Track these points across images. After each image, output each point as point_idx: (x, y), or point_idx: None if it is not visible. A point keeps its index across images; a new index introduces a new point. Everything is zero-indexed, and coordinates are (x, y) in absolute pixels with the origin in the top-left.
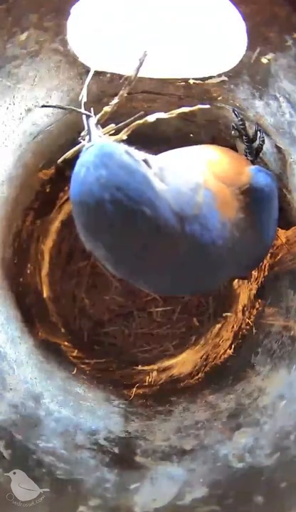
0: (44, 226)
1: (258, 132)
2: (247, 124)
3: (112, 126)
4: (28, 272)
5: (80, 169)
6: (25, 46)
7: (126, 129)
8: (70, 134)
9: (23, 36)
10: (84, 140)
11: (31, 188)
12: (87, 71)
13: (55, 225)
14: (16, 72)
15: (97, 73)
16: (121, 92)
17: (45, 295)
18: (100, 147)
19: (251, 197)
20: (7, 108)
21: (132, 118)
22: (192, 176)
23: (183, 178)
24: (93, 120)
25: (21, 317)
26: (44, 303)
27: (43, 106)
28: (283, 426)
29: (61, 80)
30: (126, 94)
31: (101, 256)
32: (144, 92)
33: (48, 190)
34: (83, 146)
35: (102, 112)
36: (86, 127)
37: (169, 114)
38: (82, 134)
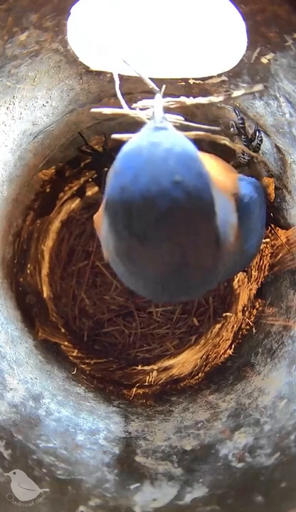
0: (44, 226)
1: (257, 132)
2: (247, 123)
3: (181, 118)
4: (28, 272)
5: (150, 147)
6: (25, 46)
7: (194, 133)
8: (70, 134)
9: (23, 36)
10: (141, 110)
11: (31, 188)
12: (88, 71)
13: (55, 225)
14: (15, 72)
15: (97, 73)
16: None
17: (45, 295)
18: (181, 141)
19: (238, 205)
20: (7, 108)
21: (205, 127)
22: None
23: None
24: (160, 98)
25: (21, 317)
26: (44, 303)
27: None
28: (283, 426)
29: (61, 79)
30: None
31: (133, 267)
32: (144, 92)
33: (48, 190)
34: (137, 115)
35: (178, 99)
36: (155, 103)
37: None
38: (140, 102)
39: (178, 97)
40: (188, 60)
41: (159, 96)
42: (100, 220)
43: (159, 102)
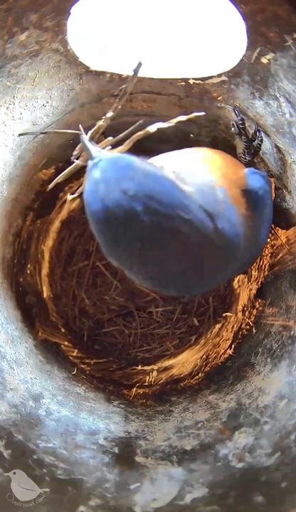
0: (44, 226)
1: (257, 132)
2: (247, 123)
3: (110, 139)
4: (28, 272)
5: (95, 187)
6: (25, 46)
7: (128, 141)
8: (69, 134)
9: (23, 36)
10: (77, 159)
11: (31, 188)
12: (88, 71)
13: (55, 225)
14: (15, 72)
15: (97, 73)
16: (115, 105)
17: (45, 295)
18: (113, 160)
19: (247, 198)
20: (7, 108)
21: (131, 128)
22: (205, 175)
23: (199, 178)
24: (85, 137)
25: (21, 317)
26: (44, 303)
27: (20, 134)
28: (283, 426)
29: (61, 79)
30: (120, 107)
31: (135, 270)
32: (144, 92)
33: (48, 190)
34: (79, 165)
35: (96, 127)
36: (82, 145)
37: (168, 123)
38: (74, 153)
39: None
40: (188, 60)
41: (83, 137)
42: None
43: (85, 141)
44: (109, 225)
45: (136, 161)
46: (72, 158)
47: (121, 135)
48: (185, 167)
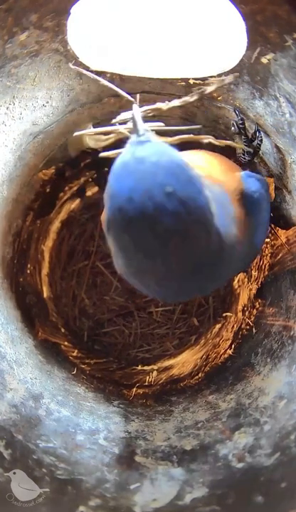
0: (44, 226)
1: (257, 132)
2: (247, 123)
3: (161, 124)
4: (28, 271)
5: (134, 165)
6: (26, 46)
7: (177, 138)
8: (70, 134)
9: (23, 36)
10: (121, 125)
11: (31, 188)
12: (88, 71)
13: (55, 225)
14: (15, 72)
15: (97, 73)
16: (185, 99)
17: (45, 295)
18: (164, 149)
19: (244, 201)
20: (7, 108)
21: (184, 128)
22: (203, 179)
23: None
24: (138, 109)
25: (21, 317)
26: (44, 303)
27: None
28: (283, 426)
29: (61, 79)
30: (191, 100)
31: (134, 264)
32: (144, 92)
33: (48, 190)
34: (119, 131)
35: (154, 106)
36: (133, 116)
37: (167, 104)
38: (119, 117)
39: (154, 103)
40: (188, 60)
41: (136, 107)
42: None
43: (137, 113)
44: (131, 207)
45: (185, 162)
46: (114, 121)
47: (170, 128)
48: None
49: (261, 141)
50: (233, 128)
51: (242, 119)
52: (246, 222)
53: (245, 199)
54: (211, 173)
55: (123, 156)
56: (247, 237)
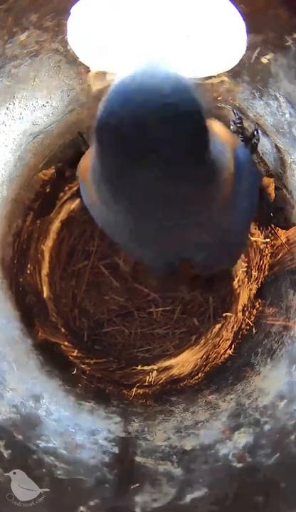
0: (44, 226)
1: (256, 132)
2: (246, 123)
3: None
4: (28, 272)
5: (145, 76)
6: (26, 46)
7: None
8: (70, 134)
9: (23, 36)
10: None
11: (31, 188)
12: (88, 71)
13: (55, 225)
14: (15, 72)
15: (98, 73)
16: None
17: (45, 295)
18: (179, 73)
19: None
20: (7, 108)
21: None
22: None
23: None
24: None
25: (21, 317)
26: (44, 303)
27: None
28: (283, 426)
29: (61, 79)
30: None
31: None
32: None
33: (48, 190)
34: None
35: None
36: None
37: None
38: None
39: None
40: (189, 59)
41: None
42: (86, 167)
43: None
44: (131, 128)
45: (195, 88)
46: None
47: None
48: None
49: (258, 139)
50: (231, 127)
51: (240, 118)
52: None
53: (236, 168)
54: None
55: (134, 67)
56: (231, 198)
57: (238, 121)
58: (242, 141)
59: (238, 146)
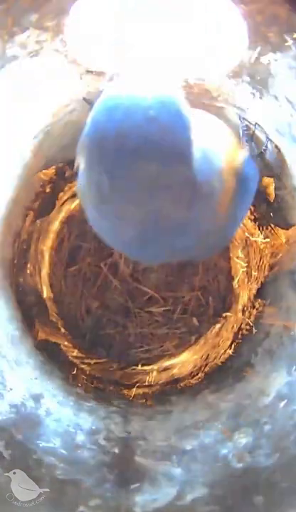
0: (44, 226)
1: (267, 142)
2: (257, 130)
3: None
4: (28, 272)
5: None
6: (25, 46)
7: None
8: (70, 134)
9: (23, 36)
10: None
11: (31, 188)
12: (88, 71)
13: (55, 225)
14: (16, 72)
15: (97, 73)
16: None
17: (45, 295)
18: (166, 86)
19: (237, 178)
20: (7, 108)
21: None
22: (214, 143)
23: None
24: None
25: (21, 317)
26: (44, 303)
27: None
28: (283, 426)
29: (61, 79)
30: None
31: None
32: None
33: (48, 190)
34: None
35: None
36: None
37: None
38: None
39: None
40: (189, 59)
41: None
42: None
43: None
44: (114, 140)
45: (180, 99)
46: None
47: None
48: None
49: (266, 147)
50: (242, 137)
51: (246, 126)
52: (233, 195)
53: (240, 176)
54: (222, 140)
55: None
56: (231, 209)
57: (244, 128)
58: (251, 149)
59: (244, 163)
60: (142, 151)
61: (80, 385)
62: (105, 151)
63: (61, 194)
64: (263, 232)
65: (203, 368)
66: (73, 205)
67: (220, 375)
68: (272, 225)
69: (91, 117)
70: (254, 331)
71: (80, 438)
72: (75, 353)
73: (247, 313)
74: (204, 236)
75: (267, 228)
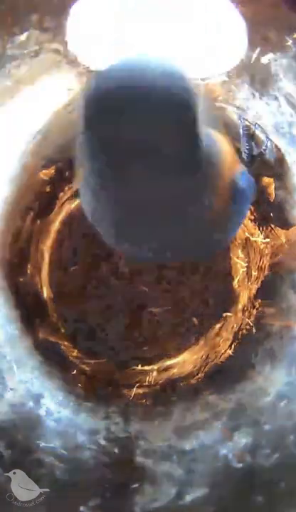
0: (44, 226)
1: (267, 141)
2: (257, 130)
3: None
4: (28, 271)
5: (137, 60)
6: (25, 46)
7: None
8: (70, 134)
9: (23, 36)
10: None
11: (31, 188)
12: (88, 71)
13: (55, 225)
14: (15, 72)
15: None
16: None
17: (45, 295)
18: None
19: (232, 194)
20: (7, 108)
21: None
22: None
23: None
24: None
25: (21, 317)
26: (44, 303)
27: None
28: (283, 426)
29: (61, 79)
30: None
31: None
32: None
33: (48, 190)
34: None
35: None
36: None
37: None
38: None
39: None
40: (189, 59)
41: None
42: None
43: None
44: (114, 102)
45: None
46: None
47: None
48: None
49: (266, 147)
50: (242, 137)
51: (247, 126)
52: (227, 204)
53: (236, 186)
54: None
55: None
56: (223, 217)
57: (244, 128)
58: (246, 150)
59: (239, 173)
60: (149, 119)
61: (79, 385)
62: (106, 114)
63: (61, 194)
64: (263, 232)
65: (203, 368)
66: (73, 205)
67: (220, 375)
68: (272, 225)
69: (92, 79)
70: (254, 331)
71: (80, 438)
72: (75, 353)
73: (247, 313)
74: (192, 233)
75: (267, 228)
